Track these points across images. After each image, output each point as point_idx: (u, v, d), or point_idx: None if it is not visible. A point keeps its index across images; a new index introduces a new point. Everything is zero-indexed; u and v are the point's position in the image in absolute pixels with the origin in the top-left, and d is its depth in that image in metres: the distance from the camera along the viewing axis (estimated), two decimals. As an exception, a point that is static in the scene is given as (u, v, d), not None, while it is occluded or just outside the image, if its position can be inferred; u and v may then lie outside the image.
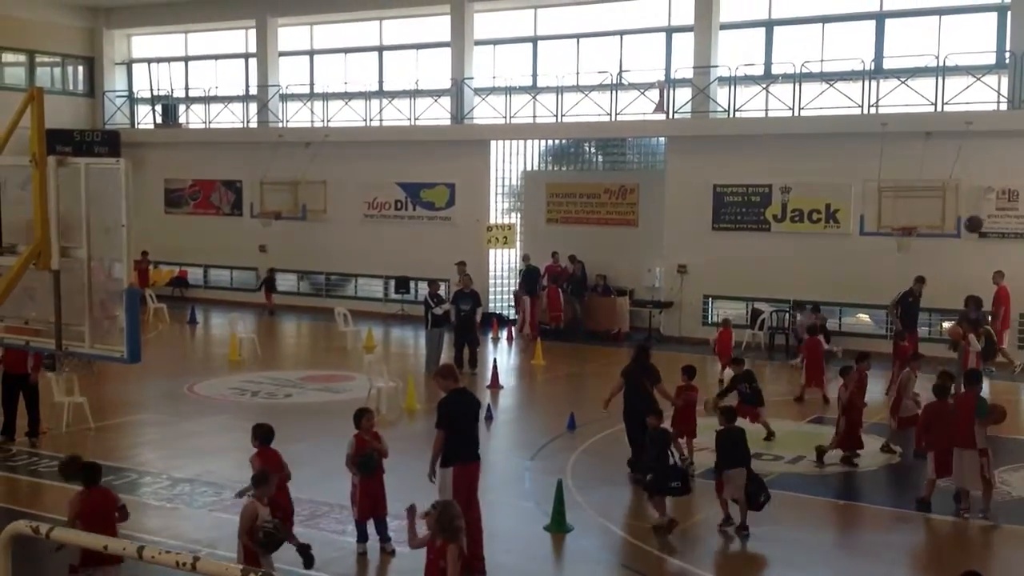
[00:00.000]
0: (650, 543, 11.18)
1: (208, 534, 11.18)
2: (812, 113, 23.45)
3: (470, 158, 27.39)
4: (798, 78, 23.70)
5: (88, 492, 8.91)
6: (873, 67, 23.26)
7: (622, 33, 26.54)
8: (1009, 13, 21.91)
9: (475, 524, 10.22)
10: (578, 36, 27.11)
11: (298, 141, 29.27)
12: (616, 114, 25.98)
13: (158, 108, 33.05)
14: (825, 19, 24.15)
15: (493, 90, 27.73)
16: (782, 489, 13.09)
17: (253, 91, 31.42)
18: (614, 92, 25.99)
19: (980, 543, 11.53)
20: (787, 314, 23.33)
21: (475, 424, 10.47)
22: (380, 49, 30.00)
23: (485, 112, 27.88)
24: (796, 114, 23.70)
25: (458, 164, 27.52)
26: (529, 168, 27.96)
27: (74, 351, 7.85)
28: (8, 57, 32.12)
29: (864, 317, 23.41)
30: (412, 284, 27.99)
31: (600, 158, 27.76)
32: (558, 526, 11.33)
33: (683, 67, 25.27)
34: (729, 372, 16.98)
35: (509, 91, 27.36)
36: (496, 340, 24.72)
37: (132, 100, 33.99)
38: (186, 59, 33.53)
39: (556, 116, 26.63)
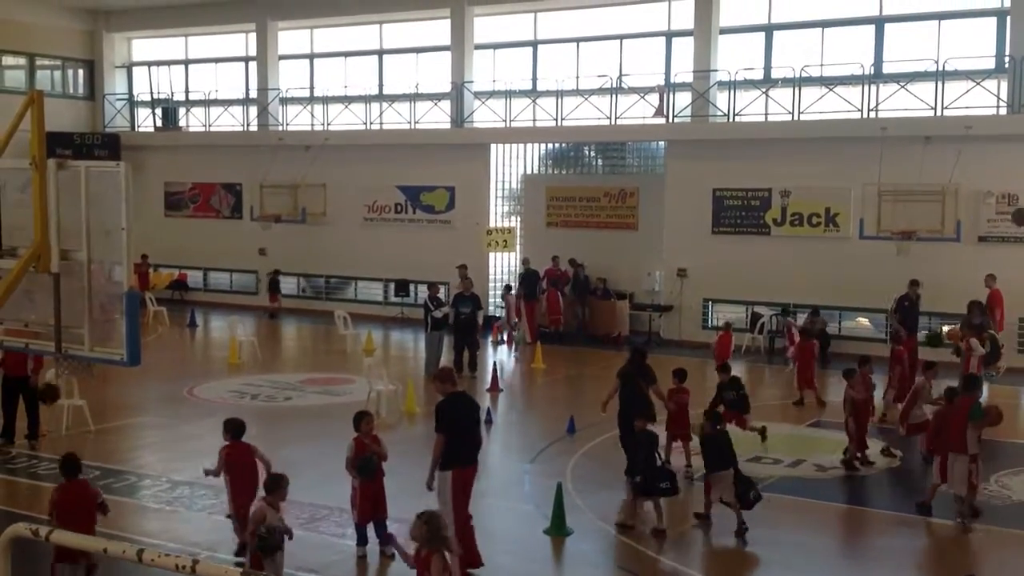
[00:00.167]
0: (651, 547, 11.18)
1: (207, 537, 11.18)
2: (812, 117, 23.45)
3: (470, 161, 27.41)
4: (798, 82, 23.72)
5: (65, 485, 9.02)
6: (873, 71, 23.28)
7: (622, 37, 26.56)
8: (1008, 18, 21.93)
9: (469, 525, 10.22)
10: (578, 40, 27.12)
11: (298, 144, 29.28)
12: (616, 118, 25.99)
13: (158, 111, 33.07)
14: (824, 23, 24.17)
15: (493, 94, 27.75)
16: (782, 493, 13.12)
17: (253, 94, 31.44)
18: (614, 96, 26.00)
19: (980, 547, 11.51)
20: (774, 317, 23.20)
21: (475, 427, 10.43)
22: (380, 53, 30.02)
23: (485, 116, 27.89)
24: (796, 118, 23.71)
25: (458, 167, 27.53)
26: (529, 171, 27.98)
27: (74, 354, 7.85)
28: (8, 60, 32.13)
29: (864, 321, 23.42)
30: (412, 287, 27.99)
31: (600, 162, 27.78)
32: (558, 529, 11.33)
33: (683, 71, 25.29)
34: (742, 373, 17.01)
35: (509, 95, 27.37)
36: (496, 344, 24.72)
37: (132, 103, 34.00)
38: (186, 62, 33.55)
39: (556, 120, 26.64)
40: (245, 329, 24.07)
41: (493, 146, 27.68)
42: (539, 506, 12.15)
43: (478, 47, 28.10)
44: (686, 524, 12.02)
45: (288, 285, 30.46)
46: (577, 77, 26.76)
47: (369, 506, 10.49)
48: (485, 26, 28.11)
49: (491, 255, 26.74)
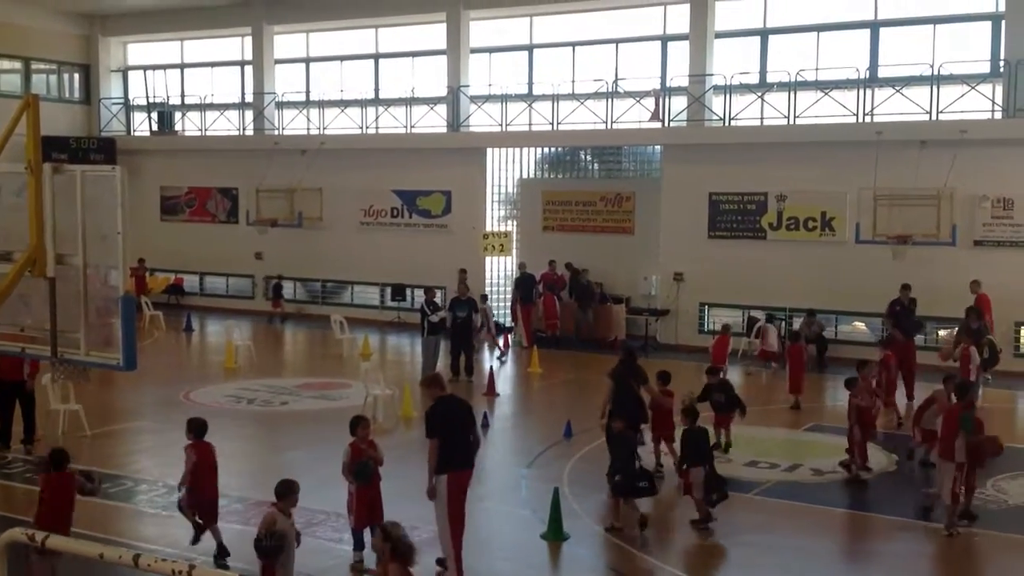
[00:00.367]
0: (647, 551, 11.18)
1: (204, 543, 11.13)
2: (807, 121, 23.48)
3: (466, 166, 27.41)
4: (793, 87, 23.75)
5: (52, 476, 9.47)
6: (868, 76, 23.32)
7: (618, 41, 26.58)
8: (1003, 22, 21.98)
9: (460, 529, 10.21)
10: (574, 44, 27.15)
11: (294, 149, 29.27)
12: (612, 122, 26.01)
13: (154, 115, 33.04)
14: (820, 28, 24.21)
15: (489, 98, 27.76)
16: (778, 497, 13.13)
17: (249, 98, 31.43)
18: (610, 100, 26.03)
19: (978, 552, 11.51)
20: (759, 324, 23.09)
21: (468, 429, 10.35)
22: (376, 57, 30.03)
23: (481, 120, 27.90)
24: (791, 122, 23.73)
25: (454, 172, 27.53)
26: (525, 176, 27.98)
27: (69, 358, 7.84)
28: (4, 64, 32.11)
29: (860, 325, 23.43)
30: (408, 291, 27.98)
31: (596, 166, 27.79)
32: (555, 534, 11.31)
33: (679, 75, 25.31)
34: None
35: (505, 99, 27.39)
36: (492, 348, 24.70)
37: (128, 107, 33.97)
38: (182, 66, 33.53)
39: (552, 124, 26.66)
40: (241, 333, 24.05)
41: (489, 150, 27.69)
42: (536, 511, 12.13)
43: (474, 51, 28.12)
44: (684, 528, 12.01)
45: (284, 290, 30.40)
46: (573, 81, 26.78)
47: (366, 511, 10.47)
48: (481, 30, 28.13)
49: (487, 259, 26.74)
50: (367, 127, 29.51)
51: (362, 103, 29.69)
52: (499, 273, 27.75)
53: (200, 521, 10.65)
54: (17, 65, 32.29)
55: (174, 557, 8.57)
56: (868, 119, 22.92)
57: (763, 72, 24.70)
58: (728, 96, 24.65)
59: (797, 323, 22.87)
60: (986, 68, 22.39)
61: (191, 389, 19.36)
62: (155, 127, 32.96)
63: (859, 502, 13.18)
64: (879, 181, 21.34)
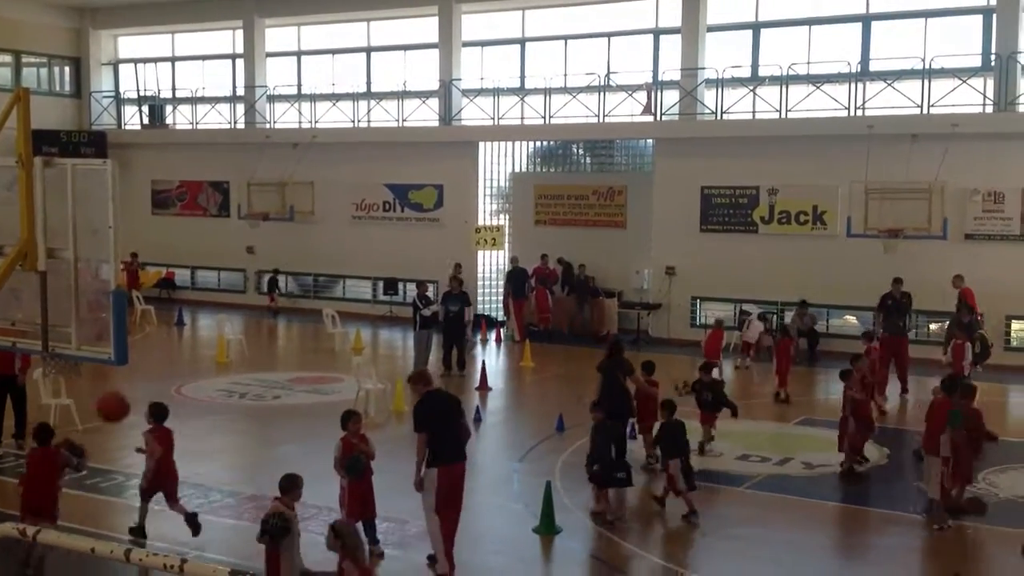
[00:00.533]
0: (640, 545, 11.20)
1: (197, 536, 11.14)
2: (799, 115, 23.51)
3: (458, 159, 27.38)
4: (785, 80, 23.77)
5: (33, 452, 10.04)
6: (859, 69, 23.34)
7: (610, 35, 26.56)
8: (994, 15, 22.01)
9: (452, 523, 10.23)
10: (566, 38, 27.13)
11: (285, 142, 29.20)
12: (604, 116, 26.00)
13: (145, 109, 32.94)
14: (811, 21, 24.23)
15: (481, 91, 27.73)
16: (769, 491, 13.16)
17: (240, 92, 31.35)
18: (602, 94, 26.02)
19: (969, 545, 11.54)
20: (749, 317, 23.09)
21: (455, 422, 10.37)
22: (368, 50, 29.97)
23: (473, 113, 27.87)
24: (783, 116, 23.76)
25: (446, 165, 27.50)
26: (517, 169, 27.96)
27: (61, 353, 7.83)
28: (-6, 57, 32.03)
29: (851, 319, 23.48)
30: (400, 285, 27.95)
31: (588, 160, 27.78)
32: (547, 528, 11.33)
33: (670, 69, 25.31)
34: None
35: (497, 92, 27.36)
36: (485, 342, 24.72)
37: (119, 101, 33.86)
38: (173, 59, 33.43)
39: (544, 118, 26.64)
40: (233, 328, 24.00)
41: (481, 144, 27.66)
42: (528, 505, 12.15)
43: (466, 44, 28.07)
44: (678, 522, 12.04)
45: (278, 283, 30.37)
46: (565, 75, 26.76)
47: (358, 505, 10.47)
48: (473, 23, 28.08)
49: (479, 253, 26.73)
50: (359, 121, 29.46)
51: (354, 96, 29.63)
52: (491, 267, 27.74)
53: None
54: (7, 58, 32.16)
55: (165, 551, 8.57)
56: (860, 113, 22.95)
57: (755, 66, 24.71)
58: (720, 90, 24.66)
59: (789, 317, 22.92)
60: (977, 62, 22.44)
61: (183, 383, 19.32)
62: (146, 120, 32.86)
63: (850, 495, 13.21)
64: (870, 175, 21.38)
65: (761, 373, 21.25)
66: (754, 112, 24.26)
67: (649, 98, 25.17)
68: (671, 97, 25.24)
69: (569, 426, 15.67)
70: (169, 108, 33.01)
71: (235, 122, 31.47)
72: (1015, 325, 21.70)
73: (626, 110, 25.70)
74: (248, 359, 22.12)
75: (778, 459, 14.54)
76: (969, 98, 22.11)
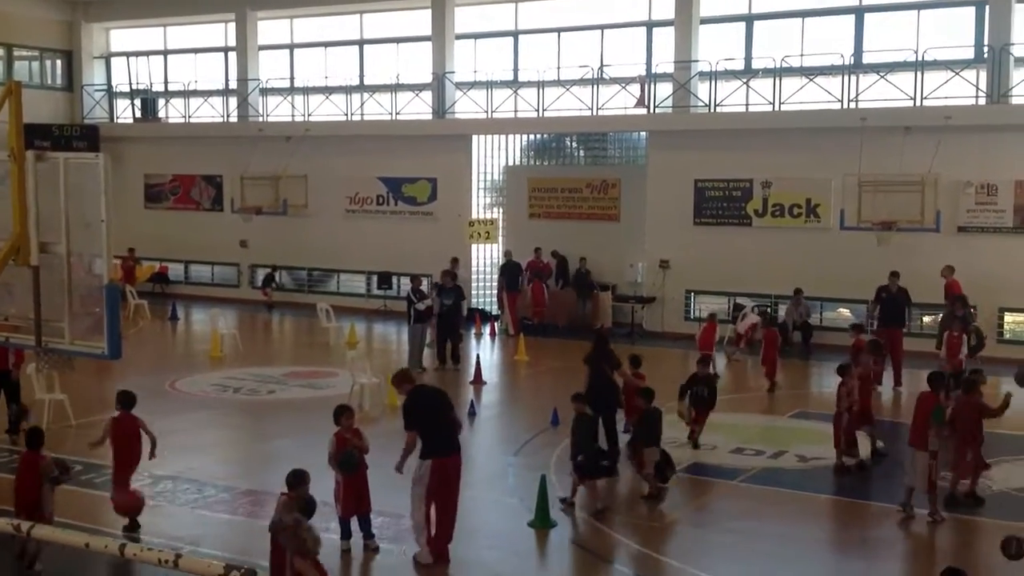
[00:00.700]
0: (635, 539, 11.21)
1: (191, 531, 11.13)
2: (792, 108, 23.51)
3: (452, 153, 27.34)
4: (778, 73, 23.76)
5: (23, 455, 10.35)
6: (852, 62, 23.35)
7: (603, 27, 26.54)
8: (987, 7, 22.01)
9: (447, 517, 10.26)
10: (559, 30, 27.09)
11: (278, 135, 29.13)
12: (597, 109, 25.98)
13: (137, 102, 32.85)
14: (804, 13, 24.22)
15: (474, 84, 27.68)
16: (764, 484, 13.18)
17: (233, 85, 31.26)
18: (595, 87, 25.99)
19: (962, 538, 11.57)
20: (755, 308, 23.14)
21: (445, 416, 10.43)
22: (360, 43, 29.90)
23: (466, 106, 27.82)
24: (776, 109, 23.75)
25: (440, 159, 27.46)
26: (511, 163, 27.94)
27: (54, 347, 7.80)
28: (-14, 51, 31.90)
29: (845, 312, 23.52)
30: (395, 279, 27.92)
31: (582, 153, 27.77)
32: (542, 522, 11.33)
33: (664, 62, 25.29)
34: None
35: (490, 85, 27.32)
36: (479, 336, 24.71)
37: (111, 94, 33.75)
38: (165, 53, 33.33)
39: (537, 111, 26.61)
40: (227, 322, 23.97)
41: (475, 137, 27.63)
42: (523, 499, 12.14)
43: (459, 37, 28.02)
44: (673, 516, 12.06)
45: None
46: (558, 67, 26.72)
47: (353, 500, 10.47)
48: (466, 16, 28.03)
49: (473, 247, 26.71)
50: (352, 114, 29.41)
51: (347, 90, 29.57)
52: (485, 261, 27.73)
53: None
54: (-1, 52, 32.06)
55: (160, 547, 8.55)
56: (853, 105, 22.96)
57: (748, 58, 24.70)
58: (713, 82, 24.65)
59: (782, 310, 22.95)
60: (970, 54, 22.44)
61: (177, 378, 19.29)
62: (138, 114, 32.78)
63: (844, 489, 13.21)
64: (864, 167, 21.39)
65: (755, 366, 21.26)
66: (747, 105, 24.26)
67: (642, 91, 25.16)
68: (664, 90, 25.22)
69: (564, 420, 15.62)
70: (161, 101, 32.93)
71: (228, 115, 31.39)
72: (1008, 317, 21.75)
73: (619, 103, 25.69)
74: (242, 354, 22.09)
75: (772, 452, 14.56)
76: (962, 90, 22.12)
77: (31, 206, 7.59)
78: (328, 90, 29.79)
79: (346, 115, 29.46)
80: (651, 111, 25.23)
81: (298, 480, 8.92)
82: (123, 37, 34.19)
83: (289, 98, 30.46)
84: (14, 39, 31.99)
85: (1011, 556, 9.47)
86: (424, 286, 21.48)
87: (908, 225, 20.95)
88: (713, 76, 24.64)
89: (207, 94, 31.93)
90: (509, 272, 25.41)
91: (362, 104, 29.27)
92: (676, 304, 24.84)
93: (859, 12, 23.67)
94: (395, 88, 28.66)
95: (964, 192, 21.62)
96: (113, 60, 34.07)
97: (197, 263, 31.97)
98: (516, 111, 27.04)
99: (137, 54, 33.67)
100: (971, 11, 22.64)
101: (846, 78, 23.14)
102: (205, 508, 11.88)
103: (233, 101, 31.15)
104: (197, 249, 31.36)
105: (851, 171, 21.57)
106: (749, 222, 23.96)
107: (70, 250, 7.56)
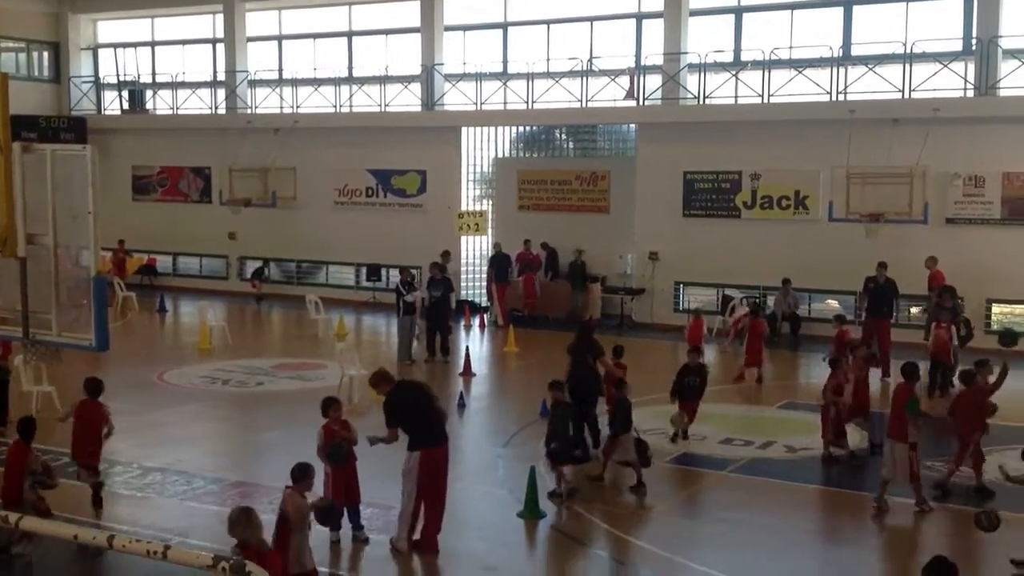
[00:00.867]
0: (624, 528, 11.24)
1: (179, 523, 11.13)
2: (781, 100, 23.54)
3: (441, 145, 27.31)
4: (767, 65, 23.78)
5: (12, 444, 10.42)
6: (841, 54, 23.38)
7: (592, 19, 26.52)
8: (975, 0, 22.06)
9: (435, 507, 10.28)
10: (548, 22, 27.05)
11: (267, 127, 29.04)
12: (587, 100, 25.97)
13: (125, 94, 32.71)
14: (794, 6, 24.25)
15: (463, 76, 27.64)
16: (752, 474, 13.23)
17: (221, 77, 31.16)
18: (585, 78, 25.98)
19: (951, 528, 11.62)
20: (744, 299, 23.18)
21: (428, 408, 10.43)
22: (349, 34, 29.82)
23: (455, 98, 27.78)
24: (765, 101, 23.78)
25: (429, 151, 27.42)
26: (500, 155, 27.92)
27: (41, 339, 7.78)
28: (-29, 42, 31.73)
29: (833, 303, 23.58)
30: (383, 271, 27.90)
31: (571, 145, 27.76)
32: (531, 513, 11.36)
33: (653, 54, 25.28)
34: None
35: (479, 77, 27.28)
36: (468, 327, 24.71)
37: (98, 86, 33.61)
38: (153, 44, 33.19)
39: (527, 102, 26.58)
40: (215, 314, 23.92)
41: (464, 129, 27.59)
42: (512, 490, 12.17)
43: (448, 29, 27.97)
44: (663, 506, 12.10)
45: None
46: (548, 59, 26.69)
47: (342, 492, 10.46)
48: (455, 7, 27.97)
49: (463, 239, 26.69)
50: (341, 106, 29.33)
51: (335, 81, 29.48)
52: (475, 253, 27.72)
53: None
54: (-15, 43, 31.90)
55: (149, 538, 8.55)
56: (841, 97, 23.00)
57: (737, 50, 24.71)
58: (703, 74, 24.66)
59: (771, 301, 23.00)
60: (958, 46, 22.50)
61: (165, 370, 19.25)
62: (126, 106, 32.64)
63: (832, 479, 13.28)
64: (852, 159, 21.45)
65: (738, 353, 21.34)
66: (736, 97, 24.28)
67: (632, 83, 25.15)
68: (654, 82, 25.22)
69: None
70: (149, 93, 32.78)
71: (216, 107, 31.29)
72: (996, 308, 21.84)
73: (609, 95, 25.67)
74: (231, 346, 22.05)
75: (761, 443, 14.61)
76: (950, 82, 22.17)
77: (18, 198, 7.56)
78: (317, 82, 29.71)
79: (335, 107, 29.39)
80: (640, 103, 25.23)
81: (303, 474, 8.91)
82: (110, 28, 34.03)
83: (277, 90, 30.36)
84: (1, 31, 31.81)
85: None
86: (415, 278, 21.48)
87: (896, 217, 21.03)
88: (702, 68, 24.65)
89: (195, 86, 31.81)
90: (498, 263, 25.41)
91: (351, 96, 29.20)
92: (665, 296, 24.88)
93: (848, 5, 23.69)
94: (384, 80, 28.60)
95: (952, 184, 21.69)
96: (100, 51, 33.92)
97: (185, 255, 31.88)
98: (505, 103, 27.01)
99: (125, 45, 33.52)
100: (959, 3, 22.68)
101: (835, 70, 23.18)
102: (194, 500, 11.88)
103: (221, 93, 31.05)
104: (185, 241, 31.26)
105: (840, 163, 21.62)
106: (738, 214, 24.00)
107: (57, 242, 7.54)
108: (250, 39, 30.99)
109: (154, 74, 32.99)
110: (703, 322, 20.35)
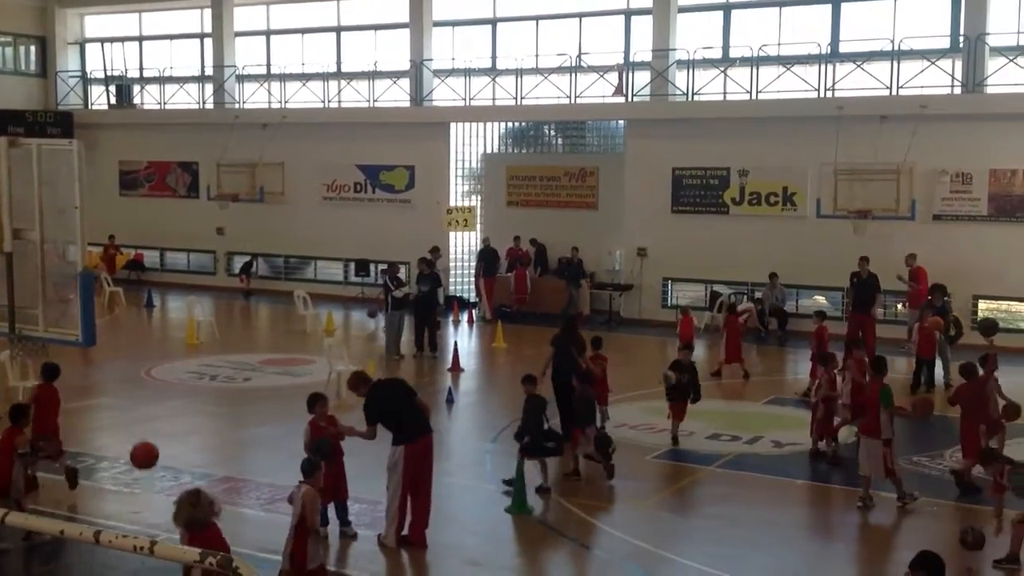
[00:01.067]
0: (612, 524, 11.26)
1: (167, 518, 11.02)
2: (769, 97, 23.59)
3: (430, 140, 27.28)
4: (755, 62, 23.83)
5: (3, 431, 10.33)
6: (829, 51, 23.44)
7: (581, 15, 26.52)
8: (963, -3, 22.16)
9: (422, 500, 10.29)
10: (537, 18, 27.05)
11: (255, 123, 28.96)
12: (575, 97, 25.99)
13: (112, 89, 32.58)
14: (782, 3, 24.28)
15: (452, 72, 27.62)
16: (739, 469, 13.26)
17: (209, 71, 31.06)
18: (573, 75, 25.99)
19: (934, 521, 11.67)
20: (732, 296, 23.28)
21: (408, 403, 10.44)
22: (338, 30, 29.76)
23: (444, 94, 27.76)
24: (754, 98, 23.83)
25: (418, 146, 27.40)
26: (489, 151, 27.91)
27: (28, 335, 7.77)
28: (-43, 36, 31.55)
29: (821, 299, 23.65)
30: (372, 267, 27.87)
31: (560, 141, 27.76)
32: (519, 508, 11.37)
33: (642, 50, 25.31)
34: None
35: (468, 73, 27.26)
36: (457, 323, 24.71)
37: (85, 80, 33.47)
38: (140, 39, 33.06)
39: (516, 99, 26.58)
40: (203, 309, 23.86)
41: (453, 125, 27.58)
42: (501, 485, 12.17)
43: (437, 24, 27.93)
44: (653, 499, 12.13)
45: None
46: (537, 55, 26.70)
47: (329, 487, 10.43)
48: (444, 3, 27.93)
49: (451, 235, 26.67)
50: (329, 101, 29.28)
51: (324, 76, 29.43)
52: (464, 248, 27.71)
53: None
54: (-29, 37, 31.73)
55: (136, 533, 8.52)
56: (829, 94, 23.06)
57: (726, 47, 24.75)
58: (691, 71, 24.69)
59: (759, 296, 23.07)
60: (946, 43, 22.57)
61: (153, 366, 19.20)
62: (113, 100, 32.51)
63: (819, 474, 13.31)
64: (840, 156, 21.51)
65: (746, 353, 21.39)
66: (725, 93, 24.32)
67: (620, 79, 25.16)
68: (642, 78, 25.24)
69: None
70: (137, 88, 32.69)
71: (203, 102, 31.19)
72: (982, 305, 21.94)
73: (598, 91, 25.70)
74: (219, 341, 22.01)
75: (748, 438, 14.66)
76: (938, 79, 22.25)
77: (4, 192, 7.55)
78: (305, 77, 29.65)
79: (323, 102, 29.33)
80: (629, 99, 25.25)
81: (313, 467, 8.94)
82: (97, 23, 33.89)
83: (266, 85, 30.29)
84: (-13, 24, 31.69)
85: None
86: (401, 274, 21.46)
87: (884, 213, 21.12)
88: (691, 65, 24.68)
89: (183, 80, 31.72)
90: (486, 257, 25.40)
91: (339, 91, 29.14)
92: (653, 292, 24.92)
93: (836, 2, 23.74)
94: (373, 75, 28.56)
95: (939, 181, 21.77)
96: (88, 46, 33.78)
97: (173, 250, 31.79)
98: (494, 99, 27.00)
99: (112, 40, 33.38)
100: (947, 1, 22.75)
101: (823, 67, 23.24)
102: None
103: (209, 88, 30.96)
104: (173, 236, 31.17)
105: (827, 160, 21.69)
106: (726, 210, 24.05)
107: (44, 237, 7.53)
108: (238, 34, 30.89)
109: (141, 69, 32.87)
110: (692, 319, 20.38)
